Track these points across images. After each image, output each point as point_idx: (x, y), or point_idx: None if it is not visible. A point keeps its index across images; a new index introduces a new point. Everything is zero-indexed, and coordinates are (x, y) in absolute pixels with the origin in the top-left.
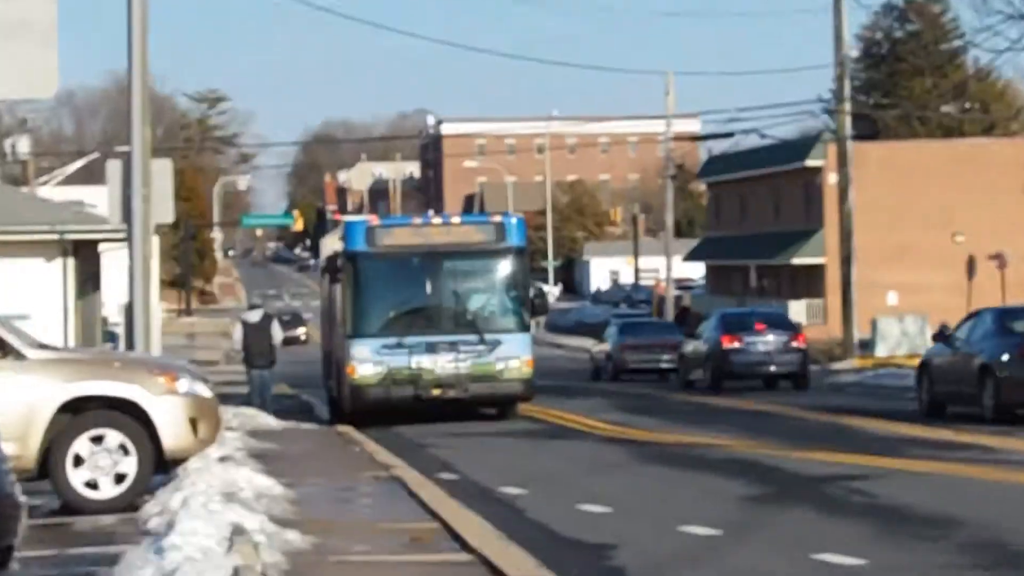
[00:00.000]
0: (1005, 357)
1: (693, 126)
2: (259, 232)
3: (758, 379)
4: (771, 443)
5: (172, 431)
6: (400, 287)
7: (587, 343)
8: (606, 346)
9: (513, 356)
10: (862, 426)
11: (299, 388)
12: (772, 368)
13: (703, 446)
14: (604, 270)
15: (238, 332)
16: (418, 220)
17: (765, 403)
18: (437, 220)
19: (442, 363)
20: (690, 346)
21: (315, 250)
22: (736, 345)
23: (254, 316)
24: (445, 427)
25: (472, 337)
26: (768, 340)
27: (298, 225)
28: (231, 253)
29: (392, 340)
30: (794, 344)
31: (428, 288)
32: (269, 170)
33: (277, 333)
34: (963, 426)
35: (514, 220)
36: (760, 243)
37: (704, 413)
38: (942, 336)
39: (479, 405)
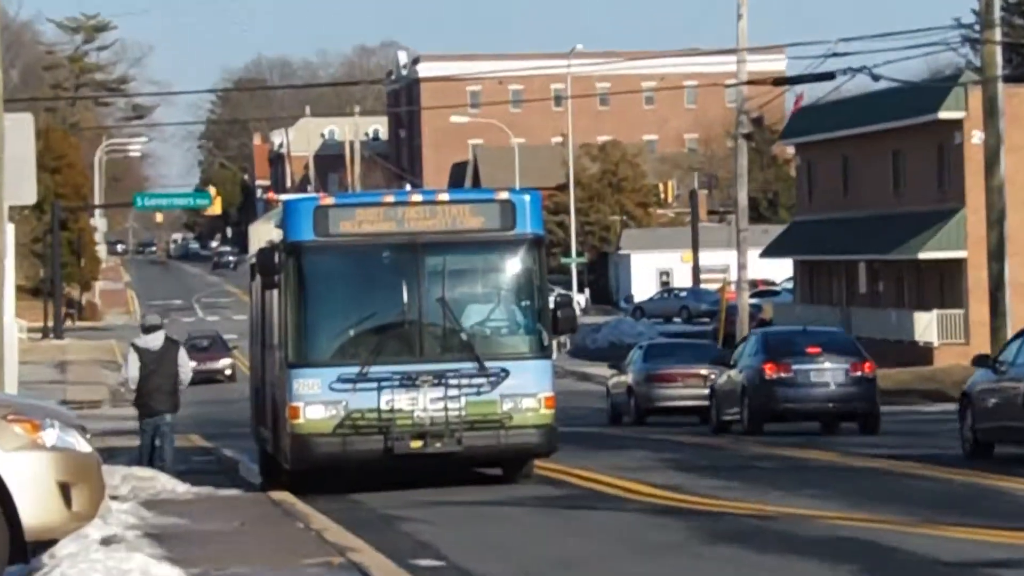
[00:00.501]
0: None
1: (776, 65)
2: (160, 218)
3: (811, 420)
4: (886, 512)
5: (34, 501)
6: (364, 294)
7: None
8: (627, 377)
9: (526, 392)
10: (1015, 488)
11: (218, 440)
12: (831, 405)
13: (791, 518)
14: (649, 269)
15: (133, 363)
16: (390, 197)
17: (870, 457)
18: (417, 197)
19: (425, 403)
20: (724, 376)
21: (239, 243)
22: (782, 375)
23: (153, 342)
24: (425, 493)
25: (468, 365)
26: (825, 368)
27: (215, 207)
28: (120, 248)
29: (352, 370)
30: (859, 374)
31: (404, 295)
32: (173, 130)
33: (185, 366)
34: None
35: (527, 198)
36: (872, 230)
37: (787, 471)
38: (982, 360)
39: (477, 464)
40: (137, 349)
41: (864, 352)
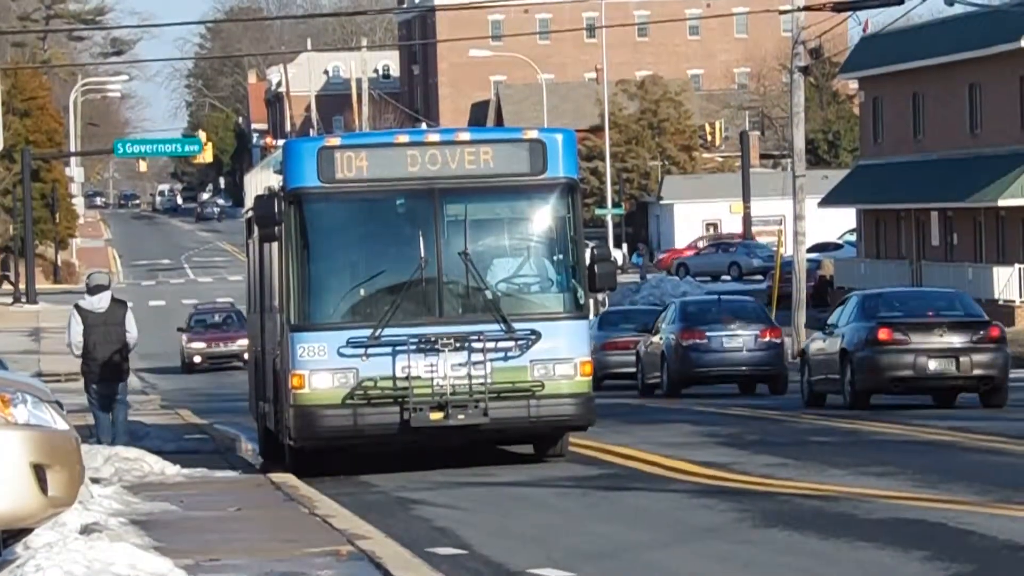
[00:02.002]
0: (859, 342)
1: None
2: (143, 166)
3: (725, 382)
4: (957, 491)
5: (4, 486)
6: (375, 247)
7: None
8: (659, 340)
9: (560, 357)
10: None
11: (212, 415)
12: (743, 369)
13: (852, 498)
14: (695, 221)
15: (75, 326)
16: (403, 136)
17: (942, 430)
18: (434, 136)
19: (445, 369)
20: (648, 343)
21: (234, 193)
22: (697, 342)
23: (99, 303)
24: (445, 474)
25: (493, 327)
26: (737, 335)
27: (206, 155)
28: (100, 201)
29: (363, 333)
30: (768, 339)
31: (421, 248)
32: (158, 68)
33: (132, 329)
34: None
35: (559, 137)
36: (946, 175)
37: (847, 446)
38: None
39: (505, 438)
40: (80, 311)
41: (772, 320)
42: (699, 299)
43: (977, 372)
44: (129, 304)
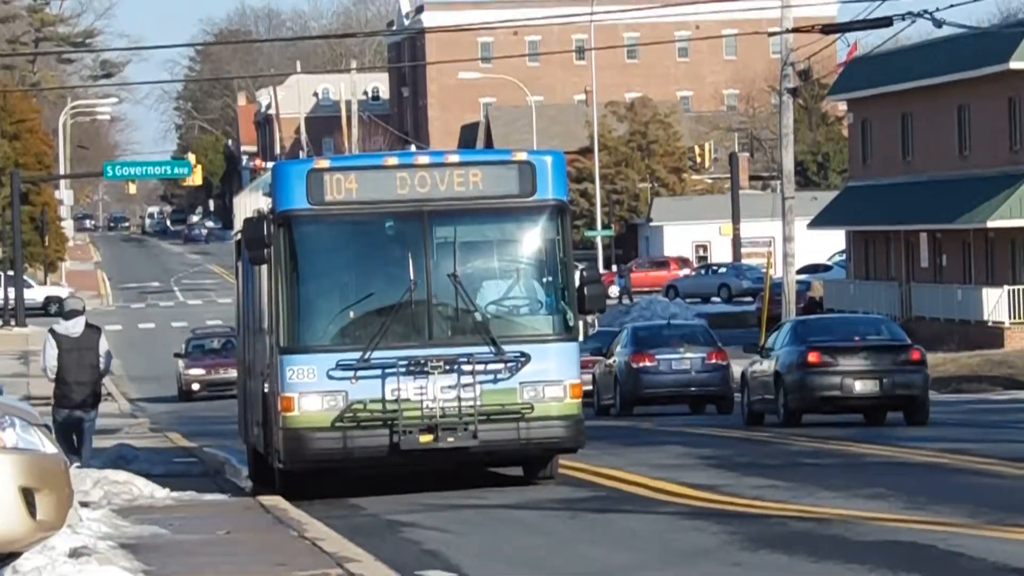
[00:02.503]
0: (791, 364)
1: (826, 10)
2: (133, 189)
3: (673, 403)
4: (947, 513)
5: None
6: (365, 269)
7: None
8: (612, 363)
9: (549, 379)
10: None
11: (201, 438)
12: (692, 389)
13: (843, 520)
14: (684, 242)
15: (50, 351)
16: (393, 159)
17: (933, 452)
18: (424, 159)
19: (435, 392)
20: (602, 366)
21: (223, 216)
22: (647, 364)
23: (73, 328)
24: (435, 496)
25: (483, 349)
26: (685, 357)
27: (195, 177)
28: (89, 223)
29: (353, 355)
30: (715, 362)
31: (410, 270)
32: (147, 91)
33: (105, 354)
34: None
35: (549, 159)
36: (935, 196)
37: (838, 468)
38: (751, 347)
39: (494, 460)
40: (55, 335)
41: (719, 343)
42: (650, 324)
43: (899, 392)
44: (100, 329)
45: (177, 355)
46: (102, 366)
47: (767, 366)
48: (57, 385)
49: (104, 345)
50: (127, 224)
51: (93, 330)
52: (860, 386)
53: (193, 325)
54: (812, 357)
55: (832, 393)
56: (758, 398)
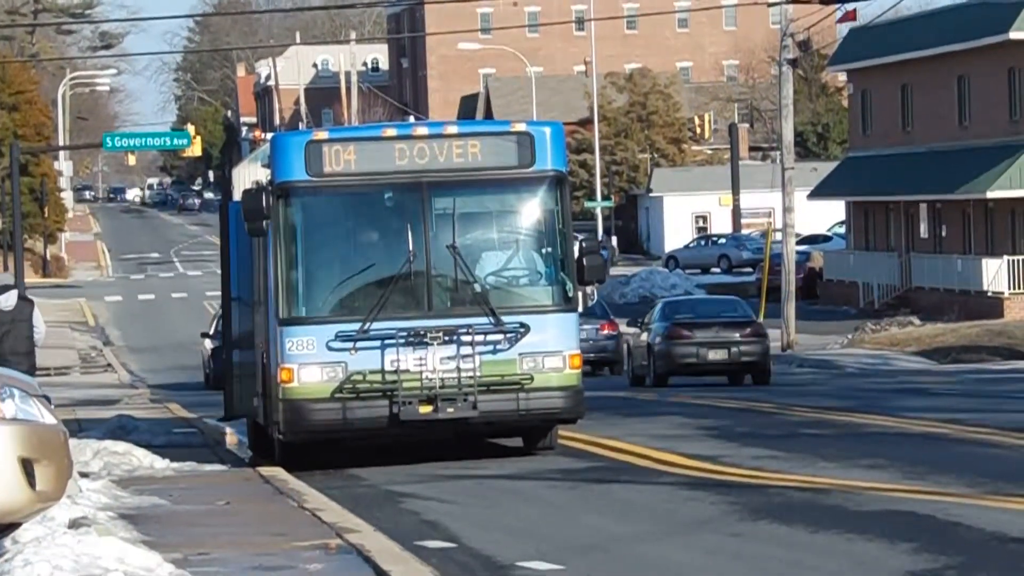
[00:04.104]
0: (659, 337)
1: None
2: (132, 160)
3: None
4: (946, 483)
5: None
6: (364, 240)
7: None
8: (645, 336)
9: (549, 350)
10: None
11: (201, 409)
12: (591, 355)
13: (842, 490)
14: (684, 213)
15: None
16: (391, 130)
17: (933, 422)
18: (422, 130)
19: (434, 363)
20: (633, 337)
21: (222, 186)
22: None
23: (5, 301)
24: (434, 467)
25: (482, 320)
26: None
27: (194, 148)
28: (89, 195)
29: (352, 327)
30: (607, 332)
31: (409, 241)
32: (147, 62)
33: (40, 326)
34: None
35: (547, 130)
36: (935, 167)
37: (837, 438)
38: (632, 322)
39: (494, 431)
40: None
41: (611, 314)
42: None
43: (744, 359)
44: (33, 302)
45: (205, 335)
46: (36, 337)
47: (644, 338)
48: None
49: (39, 316)
50: (127, 194)
51: (27, 303)
52: (713, 354)
53: (193, 296)
54: (675, 331)
55: (690, 360)
56: (638, 364)
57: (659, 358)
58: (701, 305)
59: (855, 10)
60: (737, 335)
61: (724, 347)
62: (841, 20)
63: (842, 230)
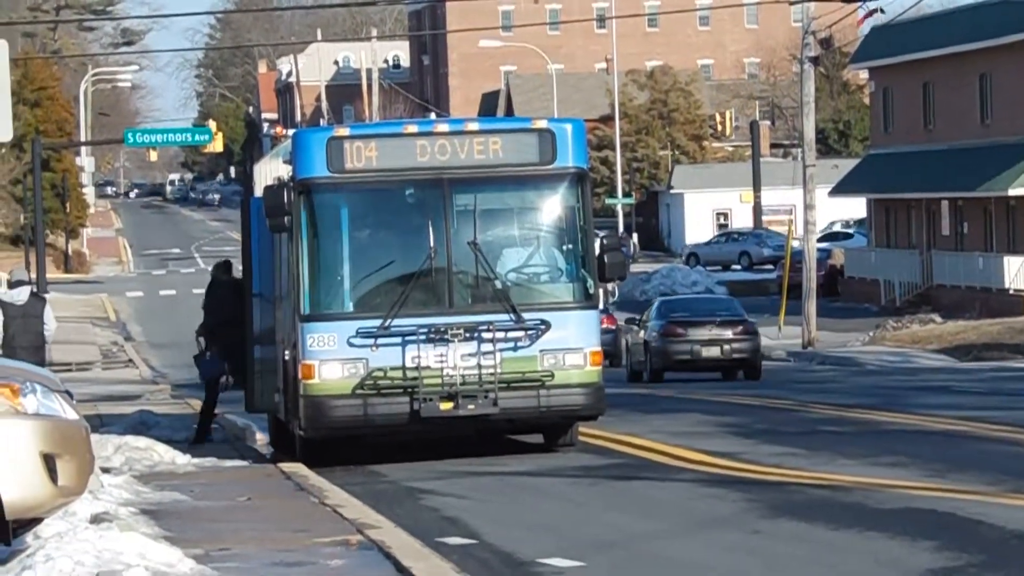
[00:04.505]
0: (655, 334)
1: None
2: (154, 156)
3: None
4: (967, 481)
5: (15, 475)
6: (385, 237)
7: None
8: (642, 334)
9: (569, 347)
10: None
11: (222, 405)
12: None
13: (862, 487)
14: (705, 210)
15: None
16: (412, 127)
17: (954, 419)
18: (443, 127)
19: (455, 359)
20: (631, 335)
21: (244, 182)
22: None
23: (18, 296)
24: (455, 464)
25: (503, 317)
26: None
27: (216, 144)
28: (111, 191)
29: (373, 323)
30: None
31: (430, 238)
32: (168, 58)
33: (51, 322)
34: None
35: (569, 127)
36: (957, 164)
37: (858, 435)
38: (631, 320)
39: (514, 428)
40: (2, 303)
41: (610, 309)
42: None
43: (736, 356)
44: (46, 298)
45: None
46: (46, 333)
47: (641, 335)
48: (4, 350)
49: (49, 312)
50: (147, 189)
51: (38, 299)
52: (706, 351)
53: None
54: (670, 329)
55: (685, 357)
56: (636, 360)
57: (655, 355)
58: (695, 304)
59: (879, 8)
60: (730, 333)
61: (717, 344)
62: (864, 18)
63: (856, 228)
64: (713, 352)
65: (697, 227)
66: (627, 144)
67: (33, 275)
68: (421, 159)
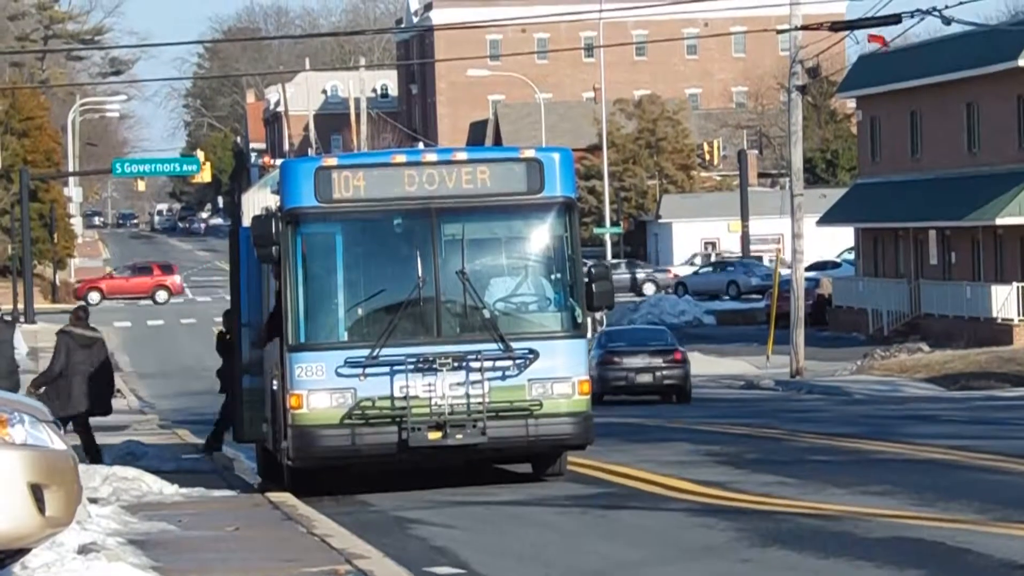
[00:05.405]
0: (596, 362)
1: (836, 8)
2: (142, 186)
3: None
4: (956, 510)
5: (2, 505)
6: (373, 267)
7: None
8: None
9: (558, 376)
10: None
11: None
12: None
13: (851, 516)
14: (693, 239)
15: None
16: (400, 156)
17: (942, 448)
18: (431, 156)
19: (443, 389)
20: None
21: (232, 212)
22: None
23: None
24: (443, 493)
25: (491, 346)
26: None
27: (204, 174)
28: (98, 221)
29: (361, 353)
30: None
31: (418, 267)
32: (156, 88)
33: (21, 346)
34: None
35: (556, 156)
36: (944, 193)
37: (847, 464)
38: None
39: (503, 457)
40: None
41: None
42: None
43: (667, 382)
44: (16, 322)
45: None
46: (18, 356)
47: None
48: None
49: (20, 337)
50: (136, 221)
51: (7, 324)
52: (639, 378)
53: (202, 322)
54: (607, 358)
55: (621, 383)
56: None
57: (595, 382)
58: (632, 334)
59: (883, 36)
60: (660, 361)
61: (649, 372)
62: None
63: (851, 256)
64: (646, 379)
65: (685, 256)
66: (615, 173)
67: (21, 305)
68: (409, 189)
